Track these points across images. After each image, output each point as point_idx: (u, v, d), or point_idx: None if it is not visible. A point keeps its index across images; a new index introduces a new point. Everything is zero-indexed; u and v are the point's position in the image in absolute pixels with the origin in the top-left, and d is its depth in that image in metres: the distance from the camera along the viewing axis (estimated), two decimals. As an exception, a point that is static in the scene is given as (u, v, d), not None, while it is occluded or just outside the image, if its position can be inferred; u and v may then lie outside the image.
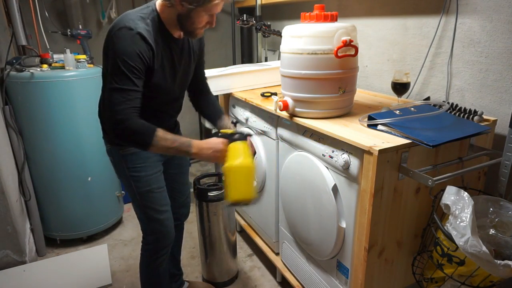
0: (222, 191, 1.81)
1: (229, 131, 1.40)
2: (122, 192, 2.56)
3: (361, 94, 1.92)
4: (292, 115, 1.54)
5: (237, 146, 1.29)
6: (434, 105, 1.48)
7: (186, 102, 1.61)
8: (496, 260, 1.03)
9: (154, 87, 1.32)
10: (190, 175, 3.38)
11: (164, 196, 1.51)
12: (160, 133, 1.24)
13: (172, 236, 1.55)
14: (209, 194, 1.82)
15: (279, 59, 1.79)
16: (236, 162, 1.25)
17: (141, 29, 1.21)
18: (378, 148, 1.14)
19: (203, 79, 1.62)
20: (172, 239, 1.56)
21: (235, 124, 1.68)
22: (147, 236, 1.53)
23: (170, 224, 1.52)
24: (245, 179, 1.27)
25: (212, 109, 1.60)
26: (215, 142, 1.32)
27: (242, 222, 2.32)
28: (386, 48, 1.91)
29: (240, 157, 1.26)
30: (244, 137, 1.34)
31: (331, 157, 1.35)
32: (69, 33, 2.38)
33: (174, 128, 1.59)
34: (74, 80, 2.08)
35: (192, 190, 1.89)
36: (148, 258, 1.56)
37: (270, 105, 1.73)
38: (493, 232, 1.18)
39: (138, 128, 1.23)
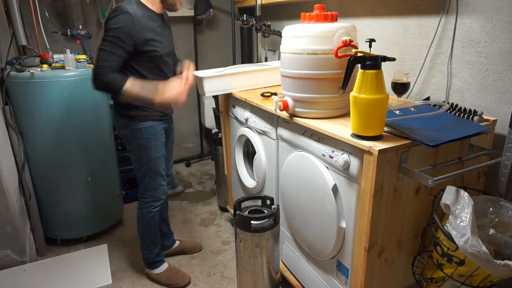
0: (266, 220, 1.55)
1: None
2: (122, 192, 2.56)
3: (361, 94, 1.91)
4: (292, 115, 1.55)
5: None
6: (434, 105, 1.48)
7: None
8: (496, 260, 1.03)
9: (153, 46, 1.65)
10: (190, 175, 3.40)
11: (164, 162, 1.89)
12: (129, 83, 1.58)
13: (166, 192, 1.96)
14: (252, 222, 1.52)
15: (279, 59, 1.79)
16: None
17: (129, 8, 1.56)
18: (378, 148, 1.14)
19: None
20: (166, 195, 1.97)
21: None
22: (146, 194, 1.89)
23: (165, 183, 1.95)
24: None
25: None
26: (176, 83, 1.66)
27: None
28: (386, 48, 1.91)
29: None
30: None
31: (331, 157, 1.35)
32: (69, 33, 2.38)
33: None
34: (74, 80, 2.08)
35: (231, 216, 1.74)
36: (147, 211, 1.90)
37: (270, 105, 1.73)
38: (493, 232, 1.18)
39: (111, 79, 1.57)
